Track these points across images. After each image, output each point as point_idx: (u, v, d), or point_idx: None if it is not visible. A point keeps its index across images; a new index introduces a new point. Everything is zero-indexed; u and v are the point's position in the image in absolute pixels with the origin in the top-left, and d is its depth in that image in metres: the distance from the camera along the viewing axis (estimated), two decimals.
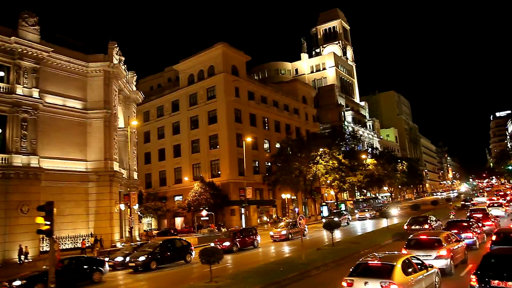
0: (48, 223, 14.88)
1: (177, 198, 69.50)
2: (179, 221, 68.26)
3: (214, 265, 14.93)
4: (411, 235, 17.96)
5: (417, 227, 28.95)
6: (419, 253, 16.07)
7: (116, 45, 46.62)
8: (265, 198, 69.48)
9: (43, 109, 38.70)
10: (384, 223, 41.55)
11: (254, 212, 66.23)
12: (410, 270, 11.74)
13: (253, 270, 17.42)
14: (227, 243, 29.78)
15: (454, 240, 17.53)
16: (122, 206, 38.02)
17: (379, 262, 11.65)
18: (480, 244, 22.94)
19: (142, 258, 23.53)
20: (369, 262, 11.92)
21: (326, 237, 26.04)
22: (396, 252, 13.09)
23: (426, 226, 28.93)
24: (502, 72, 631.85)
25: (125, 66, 51.88)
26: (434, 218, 31.68)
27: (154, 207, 65.77)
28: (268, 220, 68.01)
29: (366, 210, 65.27)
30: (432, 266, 13.09)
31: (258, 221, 66.82)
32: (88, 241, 37.79)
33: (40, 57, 37.74)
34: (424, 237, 17.04)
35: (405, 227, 30.44)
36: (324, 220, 46.37)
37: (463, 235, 21.56)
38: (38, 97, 37.33)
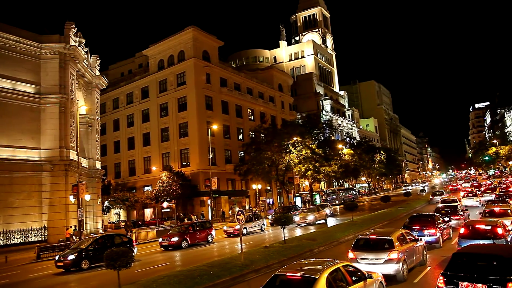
0: None
1: (146, 188, 67.01)
2: (148, 212, 65.98)
3: (122, 269, 12.47)
4: (360, 236, 15.87)
5: (437, 197, 47.18)
6: (368, 255, 14.09)
7: (73, 26, 43.70)
8: (237, 189, 67.45)
9: None
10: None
11: (225, 203, 64.26)
12: (340, 283, 9.50)
13: (177, 273, 15.17)
14: (175, 239, 27.47)
15: (410, 239, 15.51)
16: (72, 198, 35.39)
17: (299, 275, 9.26)
18: (445, 241, 21.20)
19: (71, 257, 21.07)
20: (287, 274, 9.51)
21: (284, 233, 23.92)
22: (327, 260, 10.58)
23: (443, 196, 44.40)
24: (482, 64, 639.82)
25: (88, 49, 49.00)
26: (446, 193, 52.42)
27: (122, 198, 63.16)
28: None
29: (313, 210, 42.51)
30: (371, 277, 10.80)
31: (230, 212, 64.81)
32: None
33: None
34: (374, 237, 14.84)
35: (430, 197, 51.22)
36: (270, 217, 43.85)
37: (425, 232, 19.77)
38: None
